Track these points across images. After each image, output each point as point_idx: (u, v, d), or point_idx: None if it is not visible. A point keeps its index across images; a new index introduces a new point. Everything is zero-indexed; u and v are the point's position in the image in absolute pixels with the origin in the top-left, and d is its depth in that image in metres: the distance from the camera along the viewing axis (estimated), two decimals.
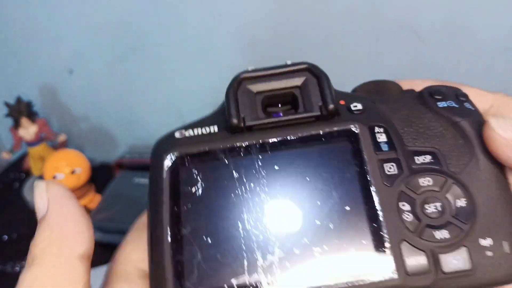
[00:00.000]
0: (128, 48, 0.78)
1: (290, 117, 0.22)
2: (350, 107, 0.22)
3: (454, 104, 0.22)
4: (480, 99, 0.23)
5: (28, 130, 0.75)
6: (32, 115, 0.76)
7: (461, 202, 0.20)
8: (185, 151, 0.21)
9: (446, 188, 0.20)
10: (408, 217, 0.19)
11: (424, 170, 0.20)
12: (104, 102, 0.85)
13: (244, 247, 0.19)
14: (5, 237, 0.70)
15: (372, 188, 0.20)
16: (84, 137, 0.89)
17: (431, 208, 0.20)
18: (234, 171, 0.21)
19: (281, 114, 0.22)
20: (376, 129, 0.21)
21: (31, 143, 0.77)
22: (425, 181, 0.20)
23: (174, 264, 0.19)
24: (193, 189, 0.21)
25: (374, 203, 0.20)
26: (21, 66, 0.83)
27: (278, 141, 0.21)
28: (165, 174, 0.21)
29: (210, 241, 0.20)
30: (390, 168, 0.20)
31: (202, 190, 0.21)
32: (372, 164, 0.20)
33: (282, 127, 0.21)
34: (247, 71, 0.22)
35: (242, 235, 0.20)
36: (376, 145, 0.21)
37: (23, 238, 0.69)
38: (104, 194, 0.73)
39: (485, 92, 0.24)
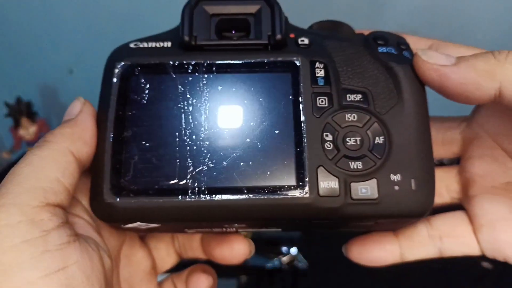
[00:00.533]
0: None
1: (239, 41, 0.23)
2: (298, 41, 0.23)
3: (393, 51, 0.24)
4: (419, 43, 0.26)
5: (28, 130, 0.75)
6: (32, 115, 0.76)
7: (379, 140, 0.22)
8: (136, 61, 0.23)
9: (368, 125, 0.22)
10: (329, 146, 0.22)
11: (352, 107, 0.22)
12: None
13: (178, 155, 0.21)
14: None
15: (302, 117, 0.22)
16: None
17: (351, 141, 0.22)
18: (179, 86, 0.22)
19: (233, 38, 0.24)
20: (317, 64, 0.23)
21: (31, 143, 0.77)
22: (350, 117, 0.22)
23: (113, 162, 0.21)
24: (139, 98, 0.22)
25: (301, 130, 0.22)
26: (21, 66, 0.84)
27: (224, 64, 0.23)
28: (115, 80, 0.23)
29: (148, 146, 0.22)
30: (322, 102, 0.22)
31: (147, 99, 0.22)
32: (306, 95, 0.22)
33: (230, 51, 0.23)
34: None
35: (178, 144, 0.22)
36: (314, 79, 0.22)
37: None
38: None
39: (425, 39, 0.27)
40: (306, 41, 0.23)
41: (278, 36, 0.23)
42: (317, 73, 0.23)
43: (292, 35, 0.24)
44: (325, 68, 0.23)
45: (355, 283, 0.40)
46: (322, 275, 0.49)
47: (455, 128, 0.27)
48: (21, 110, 0.75)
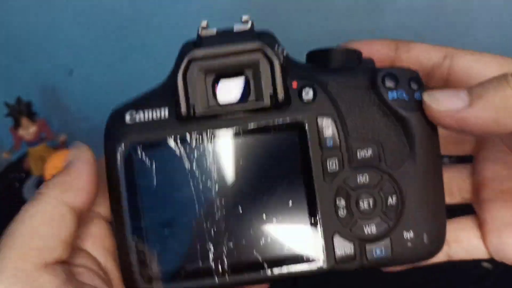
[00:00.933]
0: (128, 48, 0.78)
1: (240, 105, 0.22)
2: (302, 94, 0.22)
3: (404, 96, 0.22)
4: (432, 52, 0.24)
5: (28, 130, 0.75)
6: (32, 115, 0.76)
7: (392, 200, 0.22)
8: (137, 139, 0.22)
9: (380, 185, 0.22)
10: (343, 212, 0.22)
11: (364, 166, 0.22)
12: (104, 102, 0.85)
13: (198, 237, 0.21)
14: None
15: (314, 184, 0.21)
16: (84, 137, 0.89)
17: (364, 205, 0.22)
18: (185, 161, 0.22)
19: (232, 99, 0.22)
20: (324, 122, 0.22)
21: (31, 143, 0.77)
22: (362, 179, 0.22)
23: (138, 254, 0.21)
24: (148, 180, 0.22)
25: (314, 198, 0.21)
26: (21, 66, 0.83)
27: (227, 131, 0.22)
28: (119, 165, 0.22)
29: (168, 231, 0.22)
30: (332, 165, 0.22)
31: (157, 180, 0.22)
32: (316, 160, 0.21)
33: (232, 115, 0.22)
34: (196, 47, 0.22)
35: (197, 226, 0.21)
36: (322, 140, 0.22)
37: None
38: None
39: (438, 46, 0.25)
40: (310, 94, 0.22)
41: (281, 97, 0.21)
42: (325, 132, 0.22)
43: (294, 85, 0.22)
44: (333, 124, 0.22)
45: (355, 282, 0.40)
46: (322, 275, 0.49)
47: None
48: (21, 110, 0.75)
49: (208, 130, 0.21)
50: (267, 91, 0.21)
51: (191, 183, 0.22)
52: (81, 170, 0.22)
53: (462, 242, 0.25)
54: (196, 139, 0.21)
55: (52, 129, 0.81)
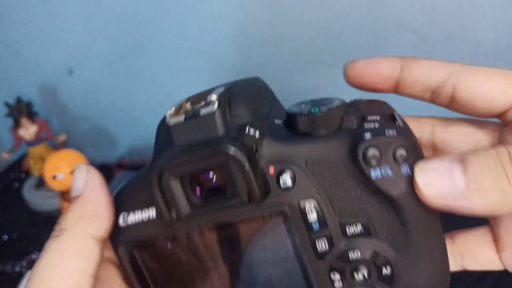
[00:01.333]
0: (128, 48, 0.78)
1: (220, 203, 0.21)
2: (280, 181, 0.21)
3: (389, 173, 0.20)
4: (437, 70, 0.23)
5: (28, 130, 0.75)
6: (32, 115, 0.76)
7: (387, 270, 0.21)
8: (133, 240, 0.22)
9: (373, 258, 0.21)
10: (339, 284, 0.21)
11: (354, 241, 0.21)
12: (104, 102, 0.85)
13: None
14: (5, 237, 0.70)
15: (307, 265, 0.21)
16: (84, 137, 0.89)
17: (359, 277, 0.21)
18: (180, 254, 0.22)
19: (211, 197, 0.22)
20: (307, 206, 0.21)
21: (31, 143, 0.77)
22: (354, 255, 0.21)
23: None
24: (154, 272, 0.23)
25: (309, 277, 0.21)
26: (21, 66, 0.84)
27: (213, 226, 0.21)
28: (127, 264, 0.23)
29: None
30: (322, 246, 0.21)
31: (161, 271, 0.23)
32: (305, 243, 0.21)
33: (214, 212, 0.21)
34: (166, 160, 0.20)
35: None
36: (308, 225, 0.21)
37: (23, 238, 0.69)
38: None
39: (442, 63, 0.24)
40: (288, 180, 0.20)
41: (257, 190, 0.20)
42: (310, 216, 0.21)
43: (271, 170, 0.20)
44: (316, 207, 0.21)
45: None
46: None
47: (486, 136, 0.25)
48: (21, 110, 0.75)
49: (195, 227, 0.21)
50: (242, 188, 0.20)
51: (190, 273, 0.22)
52: (97, 196, 0.21)
53: (477, 255, 0.25)
54: (184, 237, 0.22)
55: (52, 129, 0.81)
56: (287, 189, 0.20)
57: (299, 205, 0.21)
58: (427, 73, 0.23)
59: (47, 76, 0.84)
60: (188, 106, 0.22)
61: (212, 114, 0.20)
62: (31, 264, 0.64)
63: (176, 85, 0.80)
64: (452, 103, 0.23)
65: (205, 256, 0.22)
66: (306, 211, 0.21)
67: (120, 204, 0.22)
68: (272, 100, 0.25)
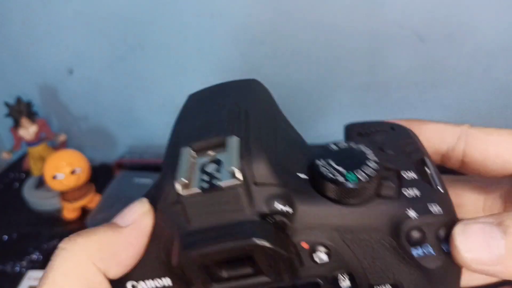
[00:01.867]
0: (128, 48, 0.78)
1: (249, 281, 0.19)
2: (314, 257, 0.19)
3: (431, 252, 0.19)
4: (446, 134, 0.23)
5: (28, 130, 0.75)
6: (32, 115, 0.76)
7: None
8: None
9: None
10: None
11: None
12: (104, 102, 0.85)
13: None
14: (5, 237, 0.70)
15: None
16: (84, 137, 0.89)
17: None
18: None
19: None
20: (340, 276, 0.20)
21: (31, 143, 0.77)
22: None
23: None
24: None
25: None
26: (21, 66, 0.84)
27: None
28: None
29: None
30: None
31: None
32: None
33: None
34: (186, 247, 0.18)
35: None
36: None
37: (23, 238, 0.69)
38: (104, 194, 0.73)
39: (451, 126, 0.23)
40: (324, 256, 0.19)
41: (288, 270, 0.19)
42: (342, 285, 0.20)
43: (304, 245, 0.19)
44: (350, 278, 0.20)
45: None
46: None
47: (497, 191, 0.25)
48: (21, 110, 0.75)
49: None
50: (272, 269, 0.19)
51: None
52: (132, 240, 0.19)
53: None
54: None
55: (52, 129, 0.81)
56: (321, 264, 0.20)
57: (332, 276, 0.20)
58: (435, 138, 0.23)
59: (47, 76, 0.84)
60: (198, 170, 0.19)
61: (235, 189, 0.18)
62: (31, 264, 0.64)
63: (176, 85, 0.80)
64: (464, 166, 0.23)
65: None
66: (339, 279, 0.20)
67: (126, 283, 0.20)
68: (278, 114, 0.23)
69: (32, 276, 0.61)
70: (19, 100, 0.75)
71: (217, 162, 0.18)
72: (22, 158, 0.85)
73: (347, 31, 0.71)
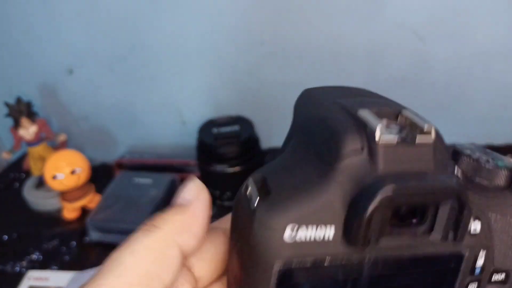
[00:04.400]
0: (128, 48, 0.78)
1: (412, 235, 0.20)
2: (471, 226, 0.21)
3: None
4: None
5: (28, 130, 0.75)
6: (32, 115, 0.76)
7: None
8: (296, 264, 0.19)
9: None
10: None
11: (494, 286, 0.21)
12: (104, 102, 0.85)
13: None
14: (5, 237, 0.70)
15: None
16: (84, 137, 0.89)
17: None
18: (342, 284, 0.20)
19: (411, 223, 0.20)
20: (480, 253, 0.21)
21: (31, 143, 0.77)
22: None
23: None
24: None
25: None
26: (21, 66, 0.84)
27: (391, 259, 0.20)
28: (272, 282, 0.19)
29: None
30: None
31: None
32: (462, 285, 0.21)
33: (399, 243, 0.20)
34: (395, 181, 0.18)
35: None
36: (472, 269, 0.21)
37: (23, 238, 0.69)
38: (104, 194, 0.73)
39: None
40: (478, 227, 0.20)
41: (456, 233, 0.20)
42: (478, 262, 0.21)
43: None
44: (486, 255, 0.21)
45: None
46: None
47: None
48: (21, 110, 0.75)
49: (373, 257, 0.19)
50: (447, 227, 0.19)
51: None
52: (199, 213, 0.21)
53: None
54: (357, 265, 0.19)
55: (52, 129, 0.81)
56: (473, 235, 0.20)
57: (475, 251, 0.21)
58: None
59: (47, 76, 0.84)
60: (400, 122, 0.20)
61: (429, 146, 0.19)
62: (31, 264, 0.64)
63: (176, 85, 0.80)
64: None
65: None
66: (478, 256, 0.21)
67: (285, 210, 0.19)
68: None
69: (32, 276, 0.61)
70: (19, 100, 0.75)
71: (419, 130, 0.19)
72: (22, 158, 0.85)
73: (347, 31, 0.71)
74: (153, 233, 0.19)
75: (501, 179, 0.21)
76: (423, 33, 0.69)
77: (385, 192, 0.18)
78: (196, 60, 0.77)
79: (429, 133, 0.18)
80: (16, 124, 0.76)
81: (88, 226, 0.67)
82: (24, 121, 0.75)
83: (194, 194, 0.21)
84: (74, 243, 0.68)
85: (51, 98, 0.85)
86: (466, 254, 0.20)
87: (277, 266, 0.19)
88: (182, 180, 0.76)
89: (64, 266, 0.64)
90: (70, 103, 0.86)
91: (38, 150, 0.77)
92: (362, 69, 0.74)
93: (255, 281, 0.19)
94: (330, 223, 0.19)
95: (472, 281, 0.21)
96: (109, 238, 0.66)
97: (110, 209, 0.68)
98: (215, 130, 0.67)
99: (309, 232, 0.19)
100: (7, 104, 0.74)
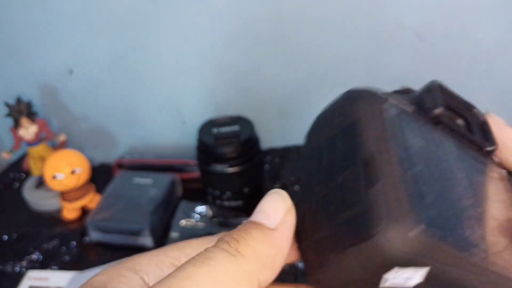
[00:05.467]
0: (128, 48, 0.78)
1: (468, 135, 0.22)
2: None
3: None
4: None
5: (28, 130, 0.75)
6: (32, 115, 0.76)
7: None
8: (400, 106, 0.20)
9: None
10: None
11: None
12: (104, 102, 0.85)
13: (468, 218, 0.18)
14: (5, 237, 0.70)
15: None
16: (84, 137, 0.89)
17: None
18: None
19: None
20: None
21: (31, 143, 0.77)
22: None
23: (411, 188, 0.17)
24: (417, 142, 0.19)
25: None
26: (21, 66, 0.83)
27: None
28: (386, 122, 0.18)
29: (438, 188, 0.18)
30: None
31: (423, 148, 0.19)
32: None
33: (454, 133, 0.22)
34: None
35: (466, 207, 0.18)
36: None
37: (23, 238, 0.69)
38: (104, 194, 0.73)
39: None
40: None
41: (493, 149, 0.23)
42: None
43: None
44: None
45: None
46: None
47: None
48: (21, 110, 0.75)
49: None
50: (484, 140, 0.23)
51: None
52: (285, 245, 0.18)
53: None
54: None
55: (52, 129, 0.81)
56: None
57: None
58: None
59: (47, 76, 0.84)
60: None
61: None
62: (31, 264, 0.65)
63: (176, 85, 0.80)
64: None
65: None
66: None
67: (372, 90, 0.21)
68: None
69: (32, 276, 0.61)
70: (19, 100, 0.75)
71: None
72: (22, 158, 0.85)
73: (347, 30, 0.71)
74: (238, 261, 0.17)
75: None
76: (423, 33, 0.69)
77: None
78: (196, 60, 0.77)
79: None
80: (16, 124, 0.75)
81: (88, 226, 0.67)
82: (24, 121, 0.75)
83: (280, 215, 0.19)
84: (74, 243, 0.68)
85: (51, 98, 0.85)
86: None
87: (386, 107, 0.20)
88: (182, 180, 0.77)
89: (64, 266, 0.64)
90: (70, 103, 0.86)
91: (38, 150, 0.77)
92: (362, 69, 0.74)
93: (371, 131, 0.19)
94: (408, 105, 0.23)
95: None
96: (109, 238, 0.66)
97: (110, 209, 0.68)
98: (215, 130, 0.67)
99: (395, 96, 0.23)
100: (7, 104, 0.74)
